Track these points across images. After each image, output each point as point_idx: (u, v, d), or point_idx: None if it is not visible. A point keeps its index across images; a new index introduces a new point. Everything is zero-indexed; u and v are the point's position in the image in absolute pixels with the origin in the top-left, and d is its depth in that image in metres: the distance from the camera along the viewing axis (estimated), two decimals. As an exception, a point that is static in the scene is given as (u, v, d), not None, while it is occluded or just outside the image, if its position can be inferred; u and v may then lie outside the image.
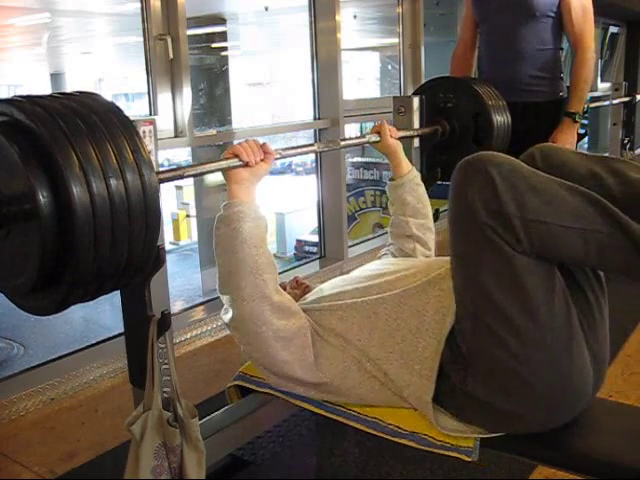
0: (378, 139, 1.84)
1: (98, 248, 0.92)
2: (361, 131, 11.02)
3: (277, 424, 1.83)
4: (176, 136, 2.31)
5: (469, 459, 1.20)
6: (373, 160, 10.26)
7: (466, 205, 1.13)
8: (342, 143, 1.90)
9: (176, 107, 2.30)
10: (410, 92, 3.58)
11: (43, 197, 0.90)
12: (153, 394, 1.20)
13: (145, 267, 1.05)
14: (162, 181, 1.17)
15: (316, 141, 2.99)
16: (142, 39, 2.22)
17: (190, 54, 2.26)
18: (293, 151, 1.60)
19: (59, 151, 0.89)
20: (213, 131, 2.87)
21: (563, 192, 1.12)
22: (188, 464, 1.21)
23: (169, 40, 2.19)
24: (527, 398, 1.18)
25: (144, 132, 1.34)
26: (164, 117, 2.28)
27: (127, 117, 1.01)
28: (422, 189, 1.84)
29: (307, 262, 3.36)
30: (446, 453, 1.22)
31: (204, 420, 1.39)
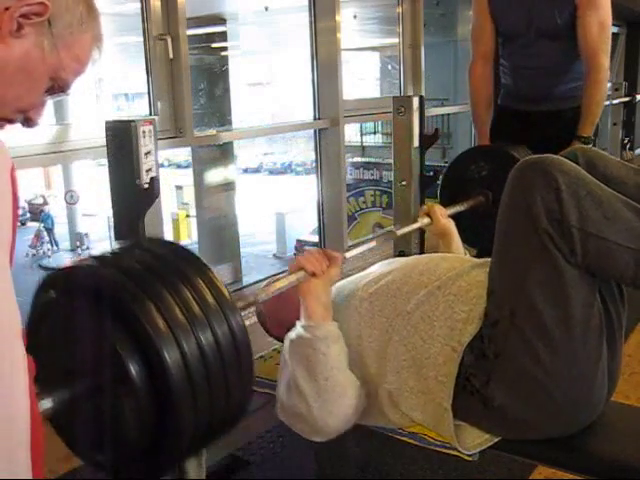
0: (430, 221, 1.80)
1: (196, 409, 0.85)
2: (361, 131, 11.01)
3: (277, 424, 1.83)
4: (176, 136, 2.31)
5: (469, 459, 1.20)
6: (373, 160, 10.27)
7: (526, 207, 1.10)
8: (398, 233, 1.82)
9: (176, 107, 2.30)
10: (410, 92, 3.58)
11: (134, 365, 0.82)
12: (153, 394, 1.20)
13: (243, 412, 0.98)
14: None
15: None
16: (142, 39, 2.21)
17: (190, 54, 2.26)
18: (360, 250, 1.60)
19: (141, 312, 0.82)
20: (213, 131, 2.86)
21: (625, 209, 1.10)
22: (188, 464, 1.21)
23: (169, 40, 2.19)
24: (545, 410, 1.16)
25: (144, 132, 1.33)
26: (164, 117, 2.28)
27: (194, 254, 0.94)
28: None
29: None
30: (446, 452, 1.22)
31: (204, 420, 1.38)
